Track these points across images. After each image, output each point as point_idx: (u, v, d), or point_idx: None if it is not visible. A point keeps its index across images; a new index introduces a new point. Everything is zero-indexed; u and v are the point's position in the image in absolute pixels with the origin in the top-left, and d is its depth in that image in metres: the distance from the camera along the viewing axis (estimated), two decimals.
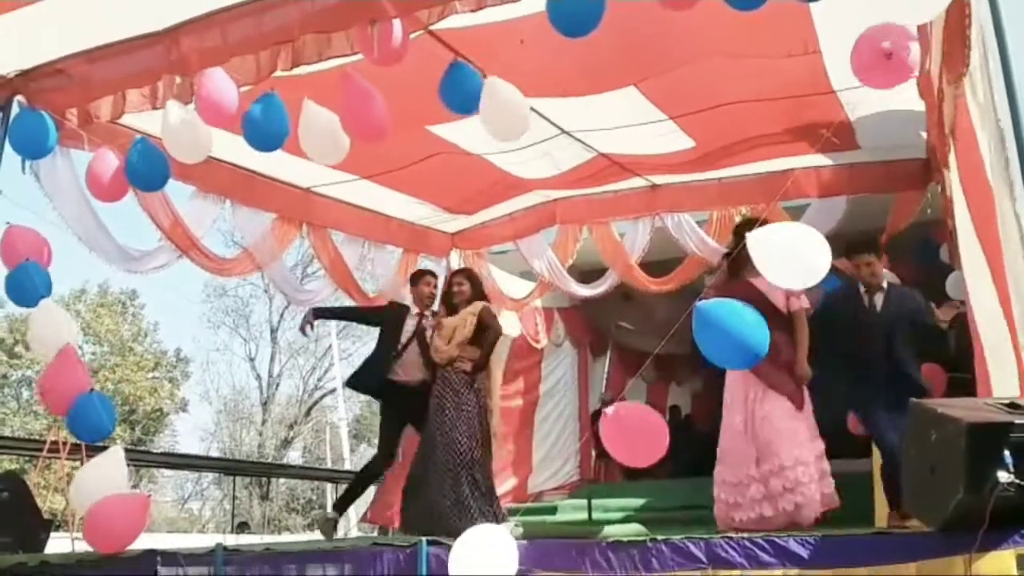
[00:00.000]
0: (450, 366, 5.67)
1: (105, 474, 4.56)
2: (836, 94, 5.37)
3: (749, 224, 5.36)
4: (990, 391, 3.80)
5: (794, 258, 3.54)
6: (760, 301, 4.77)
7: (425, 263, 8.13)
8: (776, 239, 3.60)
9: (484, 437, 5.66)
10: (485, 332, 5.70)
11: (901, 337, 4.95)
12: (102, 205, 5.17)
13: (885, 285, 5.11)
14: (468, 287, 5.87)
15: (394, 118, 4.43)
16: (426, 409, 5.66)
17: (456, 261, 8.08)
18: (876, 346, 4.93)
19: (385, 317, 6.24)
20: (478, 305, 5.78)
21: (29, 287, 4.72)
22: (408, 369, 5.96)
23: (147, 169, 4.75)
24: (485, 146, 5.97)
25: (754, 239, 3.54)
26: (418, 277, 6.26)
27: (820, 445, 4.87)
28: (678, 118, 5.79)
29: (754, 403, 4.86)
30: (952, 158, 4.42)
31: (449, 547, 3.73)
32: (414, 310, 6.11)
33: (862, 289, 5.11)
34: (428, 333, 5.96)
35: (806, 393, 4.94)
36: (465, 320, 5.70)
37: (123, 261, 5.57)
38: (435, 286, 6.13)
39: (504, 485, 8.55)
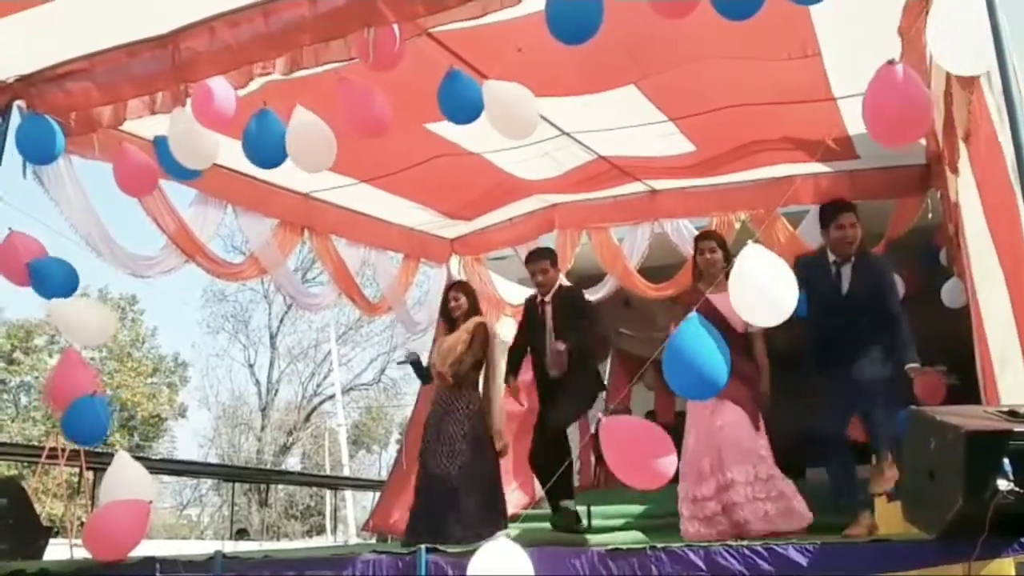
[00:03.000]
0: (446, 384, 5.72)
1: (131, 477, 4.61)
2: (836, 101, 5.38)
3: (707, 236, 5.29)
4: (998, 398, 3.80)
5: (764, 296, 3.65)
6: (717, 320, 4.66)
7: (425, 269, 8.16)
8: (755, 274, 3.67)
9: (480, 447, 5.66)
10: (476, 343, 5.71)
11: (868, 317, 4.73)
12: (107, 211, 5.24)
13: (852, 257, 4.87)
14: (465, 300, 5.87)
15: (393, 120, 4.44)
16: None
17: (455, 267, 8.09)
18: (840, 327, 4.73)
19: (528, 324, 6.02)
20: (472, 323, 5.78)
21: (56, 279, 4.82)
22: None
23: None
24: (485, 144, 5.97)
25: (738, 268, 3.65)
26: (528, 261, 5.97)
27: (772, 466, 4.76)
28: (678, 120, 5.79)
29: (710, 414, 4.77)
30: (964, 163, 4.42)
31: (447, 554, 3.73)
32: (539, 296, 5.90)
33: (831, 258, 4.91)
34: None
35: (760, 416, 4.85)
36: (459, 339, 5.71)
37: (130, 266, 5.59)
38: (543, 270, 5.78)
39: (508, 492, 8.56)
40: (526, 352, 5.97)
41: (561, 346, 5.46)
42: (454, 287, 6.15)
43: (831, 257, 4.92)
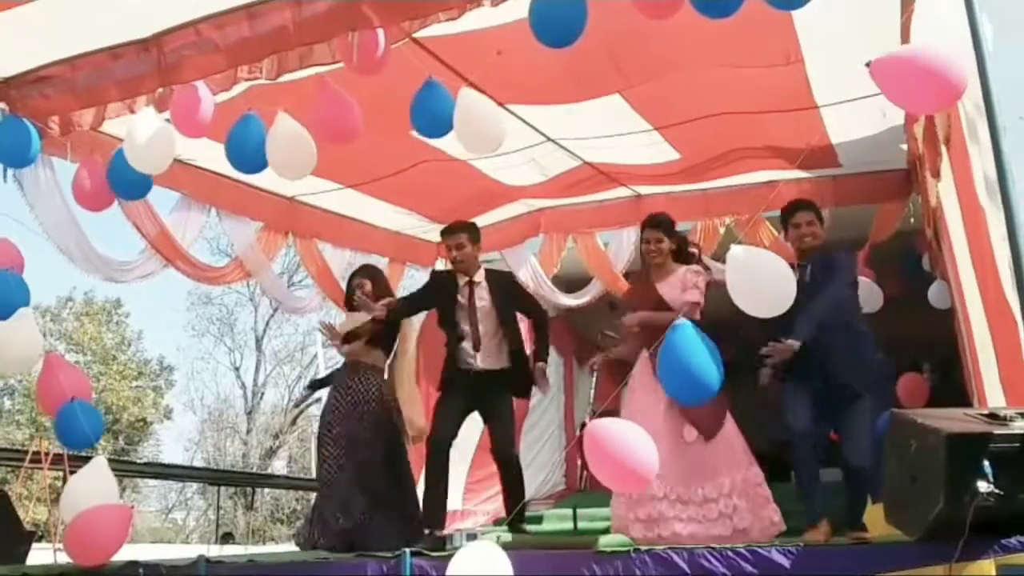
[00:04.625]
0: (364, 366, 5.47)
1: (95, 485, 4.53)
2: (819, 110, 5.42)
3: (654, 225, 4.86)
4: (985, 402, 3.84)
5: (762, 289, 3.59)
6: (659, 306, 4.64)
7: (411, 272, 8.16)
8: (755, 265, 3.62)
9: (392, 438, 5.42)
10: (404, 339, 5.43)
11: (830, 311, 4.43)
12: (86, 214, 5.15)
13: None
14: (370, 285, 5.50)
15: (378, 125, 4.44)
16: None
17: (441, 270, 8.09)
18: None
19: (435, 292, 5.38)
20: (393, 303, 5.38)
21: (6, 297, 4.68)
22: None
23: (130, 177, 4.73)
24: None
25: (734, 257, 3.58)
26: (443, 234, 5.38)
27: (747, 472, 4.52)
28: (663, 129, 5.82)
29: (677, 420, 4.49)
30: (946, 168, 4.45)
31: (432, 558, 3.73)
32: (462, 279, 5.25)
33: (797, 261, 4.58)
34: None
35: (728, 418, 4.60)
36: (368, 322, 5.34)
37: (106, 271, 5.53)
38: (459, 245, 5.22)
39: (492, 494, 8.57)
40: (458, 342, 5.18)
41: (544, 366, 5.03)
42: (357, 273, 5.74)
43: (797, 260, 4.67)
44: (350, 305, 5.58)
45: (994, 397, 3.72)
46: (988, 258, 3.56)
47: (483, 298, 5.17)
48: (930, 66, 3.18)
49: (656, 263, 4.83)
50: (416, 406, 5.58)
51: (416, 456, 5.58)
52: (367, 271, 5.80)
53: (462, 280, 5.23)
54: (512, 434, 5.12)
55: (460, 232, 5.21)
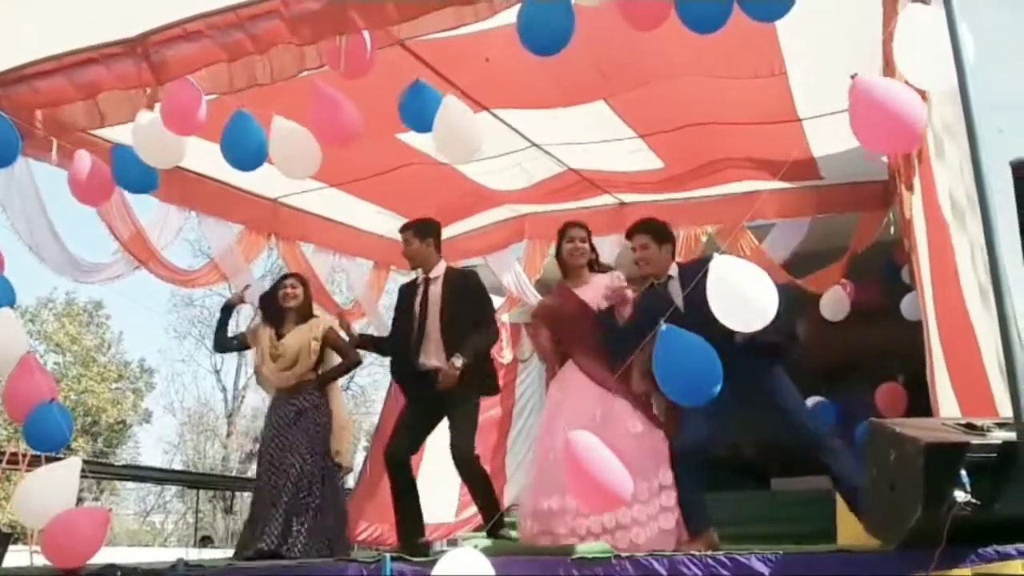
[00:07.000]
0: (285, 388, 5.39)
1: (52, 487, 4.46)
2: (801, 123, 5.46)
3: (578, 224, 4.95)
4: (939, 413, 3.88)
5: (744, 300, 3.49)
6: (580, 312, 4.71)
7: (396, 276, 8.14)
8: (736, 275, 3.54)
9: (330, 461, 5.37)
10: (330, 353, 5.39)
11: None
12: (61, 215, 5.11)
13: (674, 272, 4.54)
14: (302, 291, 5.50)
15: (363, 127, 4.44)
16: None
17: None
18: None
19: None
20: (318, 325, 5.42)
21: None
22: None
23: (138, 172, 4.69)
24: None
25: (717, 266, 3.52)
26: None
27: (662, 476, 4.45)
28: (647, 136, 5.85)
29: (595, 419, 4.41)
30: (916, 180, 4.50)
31: (413, 562, 3.72)
32: (420, 276, 5.16)
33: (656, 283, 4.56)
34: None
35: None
36: (308, 344, 5.35)
37: (74, 272, 5.45)
38: (406, 241, 5.13)
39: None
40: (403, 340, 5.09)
41: (459, 362, 4.71)
42: (291, 276, 5.72)
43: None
44: (274, 306, 5.55)
45: (949, 410, 3.74)
46: (951, 273, 3.60)
47: (436, 294, 5.01)
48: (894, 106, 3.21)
49: (579, 265, 4.89)
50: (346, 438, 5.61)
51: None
52: (299, 277, 5.74)
53: (420, 277, 5.15)
54: (468, 435, 4.86)
55: (405, 230, 5.14)
